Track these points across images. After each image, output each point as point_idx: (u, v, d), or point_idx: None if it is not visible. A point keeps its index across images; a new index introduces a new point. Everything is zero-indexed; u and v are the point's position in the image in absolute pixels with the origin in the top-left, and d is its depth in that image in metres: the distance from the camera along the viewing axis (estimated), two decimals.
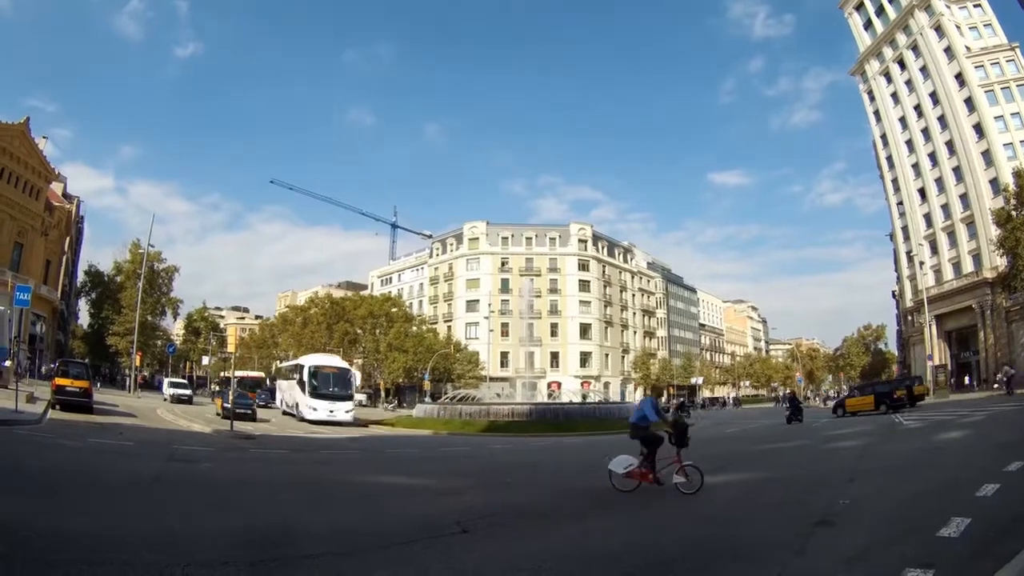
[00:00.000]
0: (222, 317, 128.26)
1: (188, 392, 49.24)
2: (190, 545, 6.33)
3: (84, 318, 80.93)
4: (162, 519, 7.87)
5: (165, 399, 45.57)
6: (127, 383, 52.86)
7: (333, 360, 42.89)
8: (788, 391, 47.74)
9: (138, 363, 55.82)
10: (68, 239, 64.43)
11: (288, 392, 42.86)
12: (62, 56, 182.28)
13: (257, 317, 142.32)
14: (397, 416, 46.43)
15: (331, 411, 35.49)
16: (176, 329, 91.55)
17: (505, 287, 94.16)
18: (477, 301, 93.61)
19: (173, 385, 49.30)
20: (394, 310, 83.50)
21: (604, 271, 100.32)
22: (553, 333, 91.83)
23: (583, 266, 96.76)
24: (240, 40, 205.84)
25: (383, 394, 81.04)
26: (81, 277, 72.26)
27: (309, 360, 40.36)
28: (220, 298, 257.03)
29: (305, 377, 36.89)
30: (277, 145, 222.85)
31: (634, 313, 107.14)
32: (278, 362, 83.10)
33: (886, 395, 35.70)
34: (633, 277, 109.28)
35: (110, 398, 36.18)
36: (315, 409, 35.29)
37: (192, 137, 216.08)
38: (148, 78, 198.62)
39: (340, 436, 26.93)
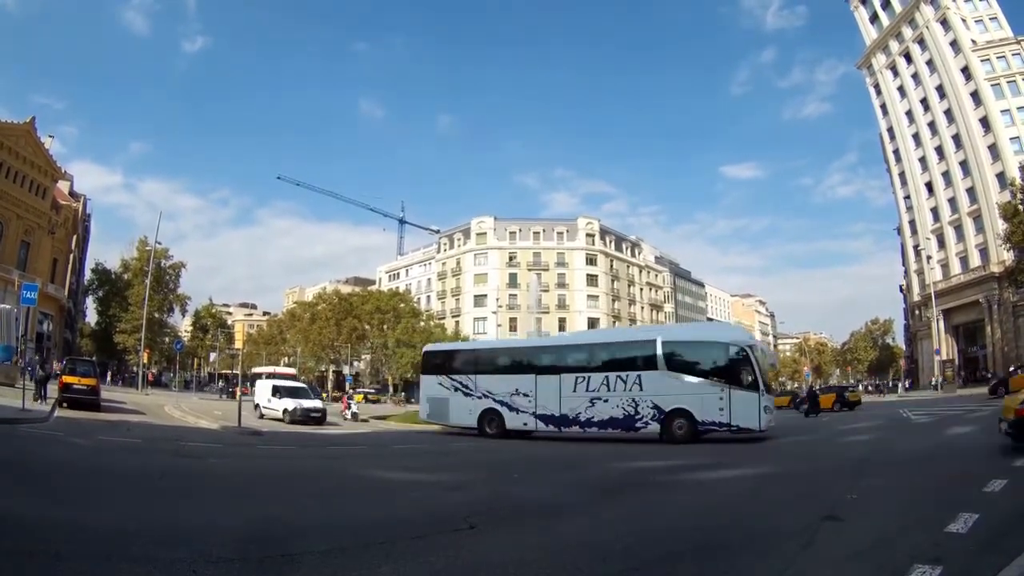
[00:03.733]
0: (229, 314, 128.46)
1: (317, 406, 29.60)
2: (198, 541, 6.33)
3: (92, 316, 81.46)
4: (169, 515, 7.88)
5: (261, 415, 29.66)
6: (136, 381, 52.38)
7: None
8: (809, 387, 50.14)
9: (146, 360, 55.91)
10: (75, 237, 64.81)
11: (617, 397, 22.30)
12: (69, 52, 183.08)
13: (265, 313, 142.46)
14: (405, 411, 46.09)
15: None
16: (184, 326, 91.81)
17: (513, 282, 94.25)
18: (485, 296, 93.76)
19: (286, 391, 29.41)
20: (402, 305, 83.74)
21: (612, 265, 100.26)
22: (561, 327, 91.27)
23: (591, 260, 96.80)
24: (249, 33, 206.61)
25: (391, 389, 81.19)
26: (88, 275, 72.73)
27: (747, 338, 22.45)
28: (230, 293, 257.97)
29: (757, 361, 19.91)
30: (287, 139, 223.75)
31: (642, 307, 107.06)
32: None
33: None
34: (641, 271, 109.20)
35: (118, 395, 36.30)
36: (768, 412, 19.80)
37: (200, 132, 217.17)
38: (156, 73, 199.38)
39: (346, 432, 26.96)
